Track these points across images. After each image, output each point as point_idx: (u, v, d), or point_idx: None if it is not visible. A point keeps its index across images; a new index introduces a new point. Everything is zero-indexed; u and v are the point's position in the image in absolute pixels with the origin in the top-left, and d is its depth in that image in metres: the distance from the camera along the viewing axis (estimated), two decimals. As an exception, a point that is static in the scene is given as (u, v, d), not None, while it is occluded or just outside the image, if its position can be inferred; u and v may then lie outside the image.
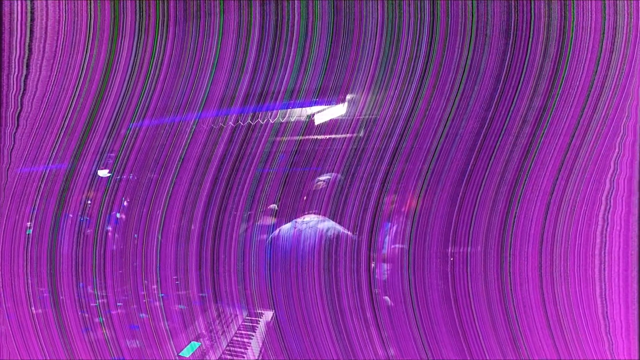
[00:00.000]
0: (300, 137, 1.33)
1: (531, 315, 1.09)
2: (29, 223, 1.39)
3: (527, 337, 1.09)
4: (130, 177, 1.41)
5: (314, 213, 1.39)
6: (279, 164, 1.35)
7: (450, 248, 1.18)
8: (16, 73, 1.23)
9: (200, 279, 1.41)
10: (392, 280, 1.23)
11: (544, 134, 1.04)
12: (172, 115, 1.31)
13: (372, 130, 1.21)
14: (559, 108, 1.02)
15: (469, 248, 1.15)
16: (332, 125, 1.31)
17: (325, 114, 1.33)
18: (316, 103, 1.29)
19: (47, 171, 1.37)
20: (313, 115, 1.35)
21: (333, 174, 1.34)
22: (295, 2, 1.22)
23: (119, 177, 1.41)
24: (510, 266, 1.11)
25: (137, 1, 1.23)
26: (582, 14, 1.09)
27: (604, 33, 1.01)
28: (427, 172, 1.18)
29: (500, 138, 1.09)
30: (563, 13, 1.10)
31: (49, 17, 1.21)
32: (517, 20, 1.13)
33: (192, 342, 1.37)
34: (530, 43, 1.08)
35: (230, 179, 1.36)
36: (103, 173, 1.43)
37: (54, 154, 1.33)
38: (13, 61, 1.22)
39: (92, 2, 1.22)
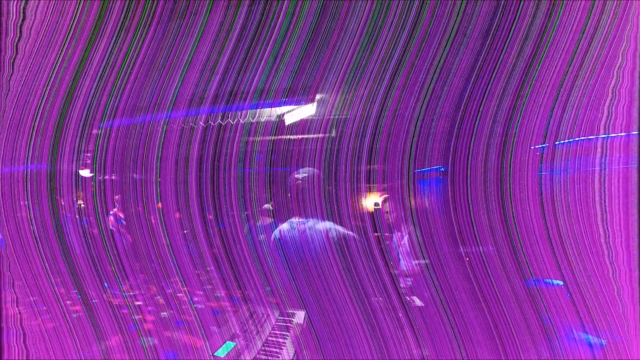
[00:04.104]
0: (273, 137, 1.33)
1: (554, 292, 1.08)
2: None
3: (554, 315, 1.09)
4: (113, 177, 1.41)
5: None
6: (258, 163, 1.35)
7: (461, 248, 1.18)
8: (6, 73, 1.26)
9: (223, 279, 1.41)
10: (417, 284, 1.23)
11: (516, 133, 1.03)
12: (141, 115, 1.31)
13: (343, 130, 1.20)
14: (529, 107, 1.01)
15: (480, 247, 1.15)
16: (303, 125, 1.31)
17: (295, 113, 1.33)
18: (285, 103, 1.29)
19: (29, 171, 1.37)
20: (283, 115, 1.34)
21: (309, 169, 1.33)
22: (285, 2, 1.22)
23: (101, 177, 1.41)
24: (529, 266, 1.10)
25: (126, 1, 1.24)
26: (568, 12, 1.07)
27: (583, 32, 1.00)
28: (409, 171, 1.17)
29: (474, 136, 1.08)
30: (549, 13, 1.09)
31: (37, 17, 1.22)
32: (501, 20, 1.12)
33: (227, 342, 1.36)
34: (507, 43, 1.06)
35: (215, 180, 1.36)
36: (85, 173, 1.44)
37: (30, 154, 1.34)
38: (6, 61, 1.24)
39: (82, 2, 1.23)
